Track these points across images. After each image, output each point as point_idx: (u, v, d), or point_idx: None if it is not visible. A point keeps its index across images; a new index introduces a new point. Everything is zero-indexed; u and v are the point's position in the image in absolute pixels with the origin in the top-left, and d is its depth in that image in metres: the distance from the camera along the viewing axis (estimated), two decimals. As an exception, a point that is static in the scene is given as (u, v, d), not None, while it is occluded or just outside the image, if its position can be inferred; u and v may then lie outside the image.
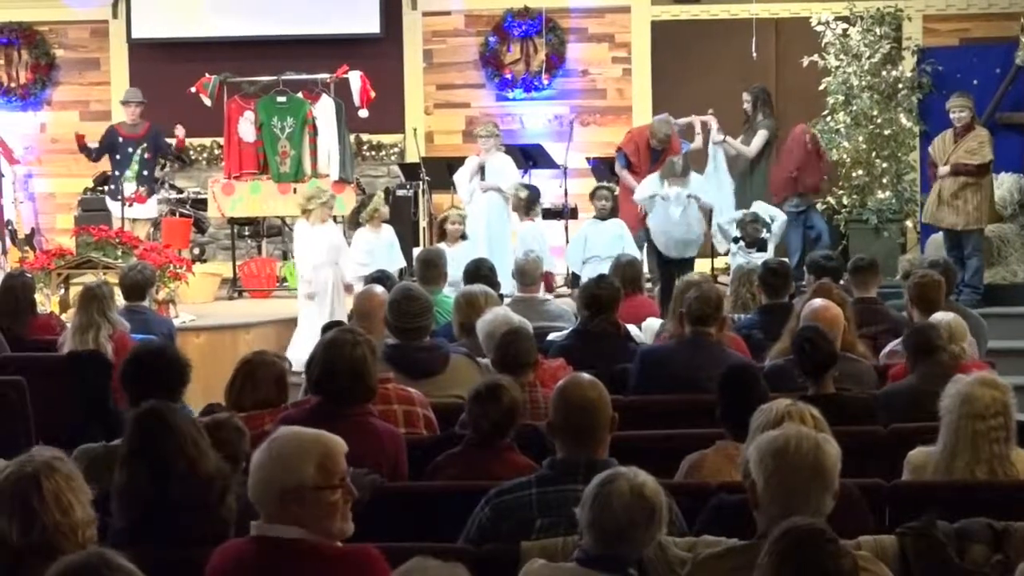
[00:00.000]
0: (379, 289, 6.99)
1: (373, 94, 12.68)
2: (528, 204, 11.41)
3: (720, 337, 6.50)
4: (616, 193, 11.83)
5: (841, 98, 12.37)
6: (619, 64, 14.49)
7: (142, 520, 3.85)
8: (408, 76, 14.62)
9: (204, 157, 14.67)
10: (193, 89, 12.74)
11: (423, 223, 13.20)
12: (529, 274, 8.53)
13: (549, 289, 11.23)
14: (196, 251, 13.76)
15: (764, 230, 11.44)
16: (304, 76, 12.87)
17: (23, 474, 3.26)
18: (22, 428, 6.71)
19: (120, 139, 12.60)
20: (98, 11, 14.81)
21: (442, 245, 10.44)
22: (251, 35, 14.42)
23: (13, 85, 14.96)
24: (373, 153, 14.59)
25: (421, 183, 13.20)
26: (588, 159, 13.52)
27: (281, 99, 12.57)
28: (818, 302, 6.49)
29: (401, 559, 2.98)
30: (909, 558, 3.83)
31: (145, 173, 12.62)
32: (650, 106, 14.02)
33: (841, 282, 8.13)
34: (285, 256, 13.51)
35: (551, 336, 7.33)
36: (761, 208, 11.58)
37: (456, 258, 9.53)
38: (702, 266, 11.61)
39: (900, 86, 12.38)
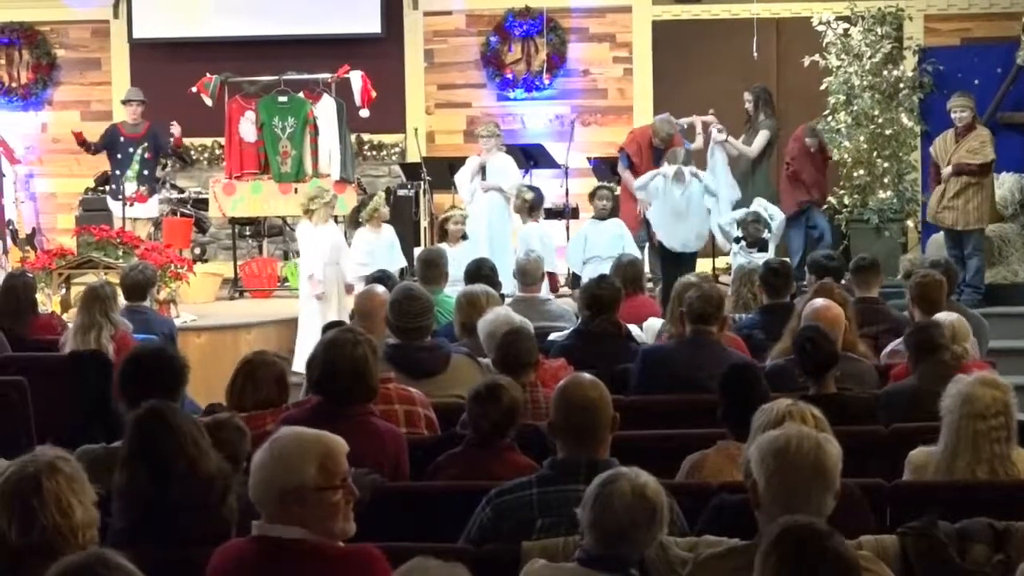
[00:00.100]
0: (380, 289, 6.99)
1: (374, 94, 12.68)
2: (532, 207, 11.42)
3: (720, 337, 6.49)
4: (616, 193, 11.84)
5: (842, 98, 12.37)
6: (620, 64, 14.49)
7: (142, 520, 3.85)
8: (409, 76, 14.63)
9: (205, 157, 14.68)
10: (194, 89, 12.74)
11: (424, 223, 13.20)
12: (530, 274, 8.53)
13: (554, 289, 11.25)
14: (197, 251, 13.76)
15: (765, 230, 11.45)
16: (305, 76, 12.87)
17: (25, 474, 3.25)
18: (23, 428, 6.70)
19: (121, 139, 12.61)
20: (99, 11, 14.82)
21: (443, 245, 10.44)
22: (252, 35, 14.43)
23: (14, 85, 14.98)
24: (374, 153, 14.60)
25: (422, 183, 13.20)
26: (589, 159, 13.52)
27: (282, 99, 12.57)
28: (819, 302, 6.49)
29: (402, 559, 2.97)
30: (910, 558, 3.82)
31: (146, 173, 12.62)
32: (651, 106, 14.02)
33: (842, 282, 8.13)
34: (286, 256, 13.51)
35: (552, 336, 7.34)
36: (761, 206, 11.58)
37: (457, 258, 9.53)
38: (703, 266, 11.61)
39: (901, 86, 12.38)
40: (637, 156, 12.00)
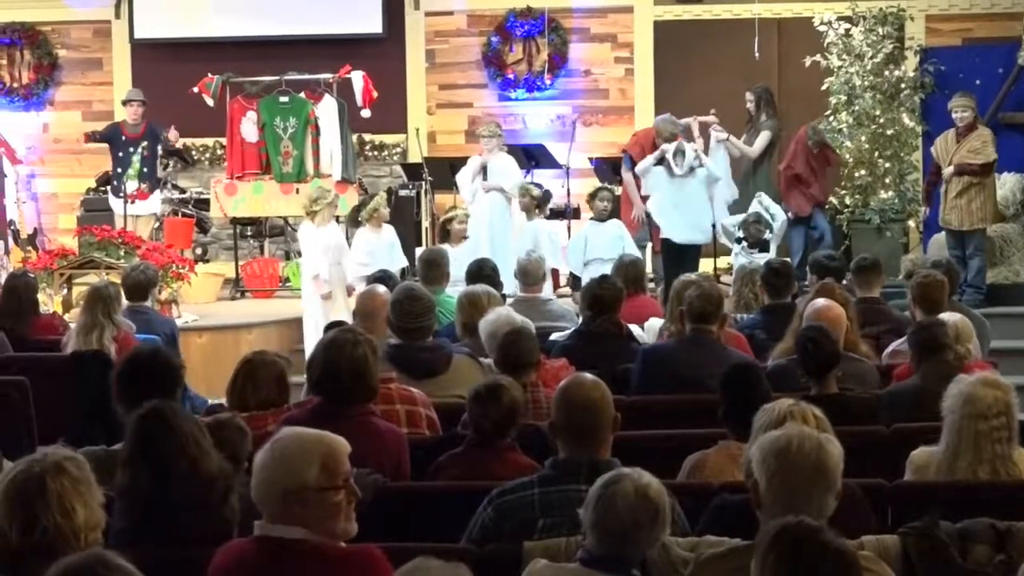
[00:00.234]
0: (381, 289, 6.99)
1: (375, 94, 12.69)
2: (540, 203, 11.42)
3: (720, 334, 6.49)
4: (617, 195, 11.83)
5: (844, 98, 12.37)
6: (621, 64, 14.48)
7: (144, 520, 3.85)
8: (410, 76, 14.63)
9: (207, 157, 14.69)
10: (196, 89, 12.75)
11: (425, 223, 13.20)
12: (531, 274, 8.53)
13: (557, 286, 11.24)
14: (198, 251, 13.77)
15: (767, 231, 11.45)
16: (306, 76, 12.87)
17: (30, 474, 3.25)
18: (24, 428, 6.70)
19: (123, 138, 12.65)
20: (100, 11, 14.83)
21: (445, 245, 10.44)
22: (253, 35, 14.43)
23: (16, 85, 14.98)
24: (375, 153, 14.60)
25: (423, 183, 13.20)
26: (591, 159, 13.51)
27: (284, 99, 12.57)
28: (821, 302, 6.49)
29: (403, 559, 2.97)
30: (912, 558, 3.82)
31: (146, 170, 12.66)
32: (652, 106, 14.01)
33: (844, 282, 8.13)
34: (288, 256, 13.51)
35: (553, 336, 7.34)
36: (762, 205, 11.57)
37: (459, 258, 9.53)
38: (705, 266, 11.60)
39: (903, 86, 12.38)
40: (640, 159, 11.98)
